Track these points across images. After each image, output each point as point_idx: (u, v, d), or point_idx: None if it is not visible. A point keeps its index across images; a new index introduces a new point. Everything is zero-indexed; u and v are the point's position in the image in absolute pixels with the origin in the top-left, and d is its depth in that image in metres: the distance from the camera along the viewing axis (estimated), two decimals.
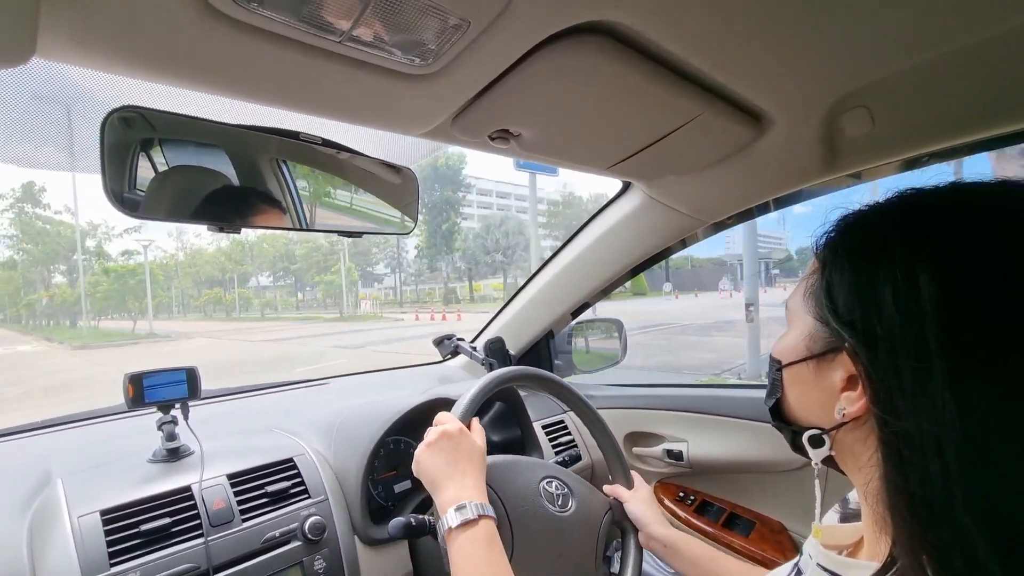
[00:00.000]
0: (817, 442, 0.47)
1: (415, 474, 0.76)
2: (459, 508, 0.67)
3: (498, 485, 0.82)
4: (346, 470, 1.05)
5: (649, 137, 0.80)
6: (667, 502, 1.39)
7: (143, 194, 0.57)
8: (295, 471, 0.99)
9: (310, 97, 0.57)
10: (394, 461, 1.18)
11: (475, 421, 0.83)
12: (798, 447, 0.51)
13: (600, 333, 1.84)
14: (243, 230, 0.64)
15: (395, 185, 0.84)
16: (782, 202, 1.05)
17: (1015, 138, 0.75)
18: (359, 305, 41.84)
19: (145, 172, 0.58)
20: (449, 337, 1.72)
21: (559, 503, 0.87)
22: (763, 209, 1.06)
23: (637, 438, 1.46)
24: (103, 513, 0.78)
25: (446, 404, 1.09)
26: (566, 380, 1.72)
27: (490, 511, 0.69)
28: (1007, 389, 0.34)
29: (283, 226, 0.73)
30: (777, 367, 0.51)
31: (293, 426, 1.16)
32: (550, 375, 1.04)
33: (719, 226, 1.13)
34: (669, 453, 1.36)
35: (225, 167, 0.65)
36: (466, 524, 0.66)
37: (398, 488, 1.16)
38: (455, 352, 1.69)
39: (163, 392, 0.95)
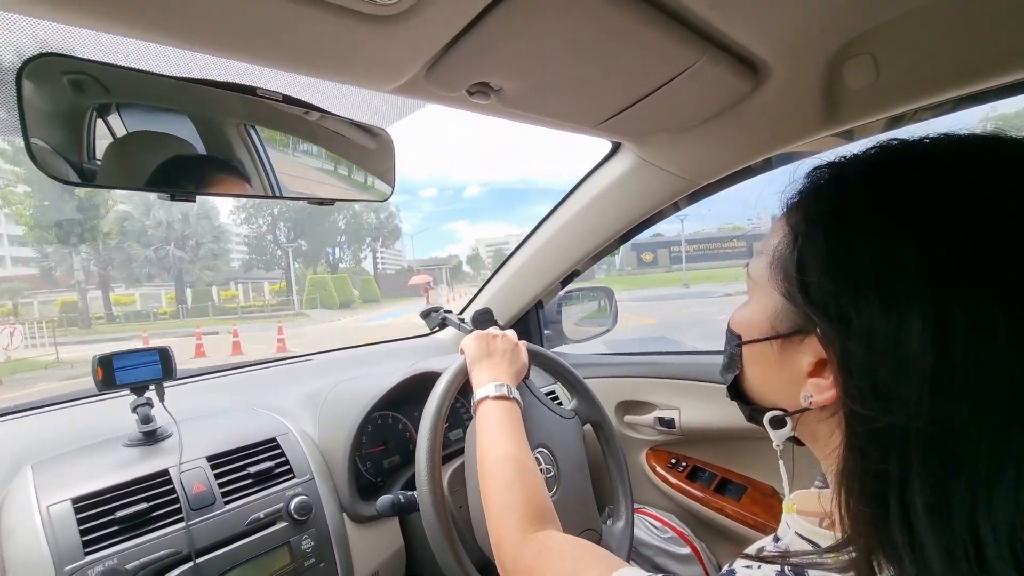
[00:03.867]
0: (778, 422, 0.44)
1: (462, 352, 0.90)
2: (498, 385, 0.80)
3: None
4: (332, 447, 1.03)
5: (641, 90, 0.74)
6: (659, 469, 1.39)
7: (88, 160, 0.51)
8: (278, 450, 0.96)
9: (261, 43, 0.51)
10: (382, 436, 1.16)
11: (523, 343, 0.95)
12: (756, 421, 0.48)
13: (590, 302, 1.81)
14: (196, 198, 0.58)
15: (370, 149, 0.79)
16: (774, 162, 1.01)
17: None
18: None
19: (89, 134, 0.52)
20: (436, 309, 1.68)
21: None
22: (751, 171, 1.01)
23: (629, 407, 1.44)
24: (75, 501, 0.75)
25: (433, 378, 1.07)
26: (555, 350, 1.72)
27: (520, 400, 0.81)
28: (995, 401, 0.29)
29: (248, 193, 0.67)
30: (737, 342, 0.47)
31: (276, 404, 1.13)
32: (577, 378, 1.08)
33: (711, 188, 1.09)
34: (661, 421, 1.35)
35: (181, 127, 0.59)
36: (501, 398, 0.78)
37: (387, 463, 1.14)
38: (443, 324, 1.65)
39: (135, 373, 0.91)
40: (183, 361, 0.96)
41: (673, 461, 1.38)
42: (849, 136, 0.87)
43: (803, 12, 0.65)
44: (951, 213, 0.32)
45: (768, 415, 0.45)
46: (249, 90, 0.60)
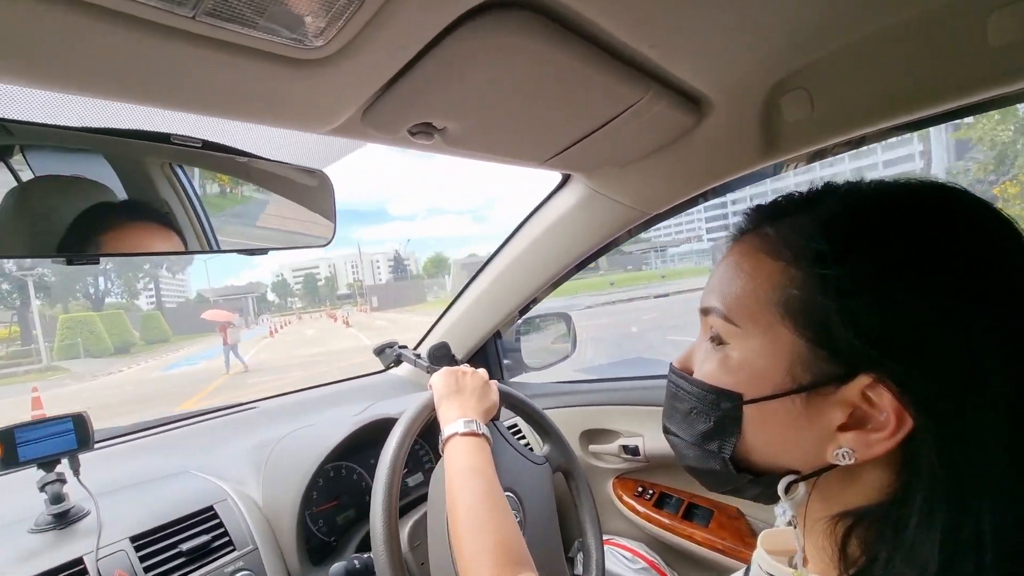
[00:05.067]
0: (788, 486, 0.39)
1: (431, 388, 0.87)
2: (468, 421, 0.77)
3: None
4: (279, 511, 0.94)
5: (587, 126, 0.74)
6: (626, 497, 1.36)
7: None
8: (216, 520, 0.87)
9: (172, 90, 0.46)
10: (335, 490, 1.08)
11: (495, 383, 0.92)
12: (752, 494, 0.42)
13: (548, 328, 1.79)
14: (100, 260, 0.52)
15: (307, 190, 0.74)
16: (720, 191, 1.03)
17: (951, 116, 0.75)
18: None
19: None
20: (391, 345, 1.61)
21: None
22: (702, 198, 1.03)
23: (592, 435, 1.42)
24: None
25: (388, 424, 1.01)
26: (516, 379, 1.68)
27: (490, 438, 0.78)
28: None
29: (174, 250, 0.61)
30: (734, 401, 0.39)
31: (214, 465, 1.03)
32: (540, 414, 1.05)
33: (662, 216, 1.10)
34: (625, 449, 1.33)
35: (87, 184, 0.53)
36: (471, 434, 0.76)
37: (341, 519, 1.06)
38: (398, 361, 1.59)
39: (43, 447, 0.81)
40: None
41: (640, 489, 1.36)
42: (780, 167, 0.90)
43: (740, 51, 0.66)
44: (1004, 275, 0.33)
45: (785, 481, 0.39)
46: (162, 138, 0.54)
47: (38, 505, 0.81)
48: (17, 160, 0.49)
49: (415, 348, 1.59)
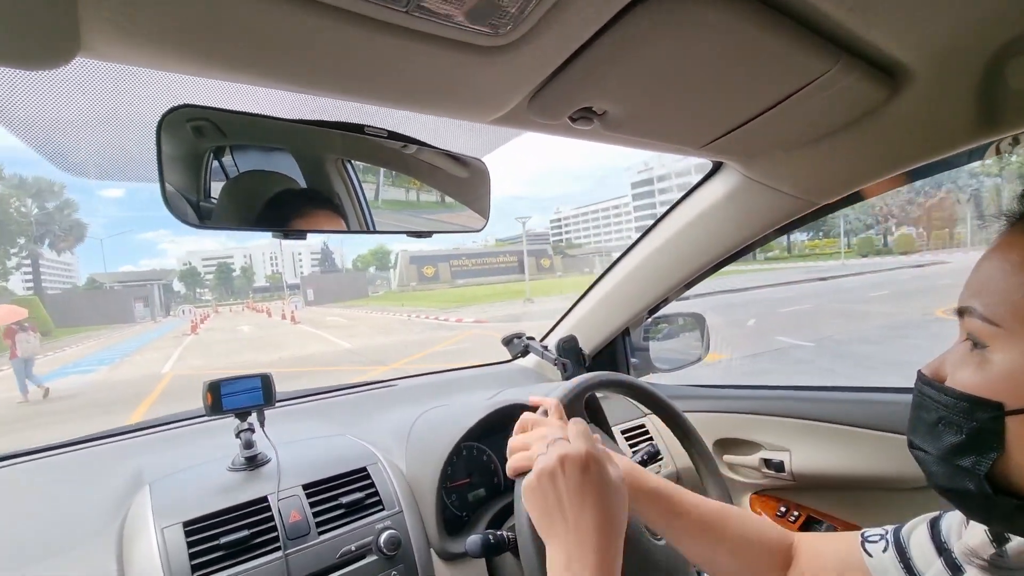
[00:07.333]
0: None
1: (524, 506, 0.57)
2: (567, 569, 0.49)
3: None
4: (420, 480, 1.01)
5: (759, 105, 0.68)
6: (765, 517, 1.25)
7: (207, 202, 0.54)
8: (368, 480, 0.96)
9: (374, 82, 0.51)
10: (467, 469, 1.13)
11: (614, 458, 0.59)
12: (1014, 522, 0.36)
13: (680, 328, 1.71)
14: (307, 235, 0.59)
15: (465, 179, 0.78)
16: (912, 175, 0.88)
17: None
18: None
19: (208, 177, 0.54)
20: (519, 336, 1.65)
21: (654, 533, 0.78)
22: (888, 185, 0.89)
23: (728, 445, 1.32)
24: (186, 524, 0.78)
25: (519, 411, 1.03)
26: (644, 380, 1.62)
27: None
28: None
29: (348, 229, 0.68)
30: (993, 413, 0.34)
31: (365, 432, 1.14)
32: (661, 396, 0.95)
33: (828, 208, 0.98)
34: (767, 463, 1.22)
35: (290, 167, 0.61)
36: None
37: (472, 497, 1.11)
38: (525, 352, 1.63)
39: (240, 399, 0.95)
40: None
41: (783, 509, 1.24)
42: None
43: (959, 7, 0.56)
44: None
45: None
46: (357, 128, 0.61)
47: (234, 448, 0.96)
48: (237, 147, 0.57)
49: (542, 340, 1.62)
